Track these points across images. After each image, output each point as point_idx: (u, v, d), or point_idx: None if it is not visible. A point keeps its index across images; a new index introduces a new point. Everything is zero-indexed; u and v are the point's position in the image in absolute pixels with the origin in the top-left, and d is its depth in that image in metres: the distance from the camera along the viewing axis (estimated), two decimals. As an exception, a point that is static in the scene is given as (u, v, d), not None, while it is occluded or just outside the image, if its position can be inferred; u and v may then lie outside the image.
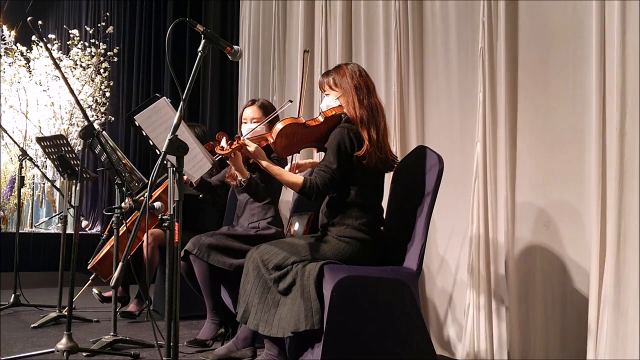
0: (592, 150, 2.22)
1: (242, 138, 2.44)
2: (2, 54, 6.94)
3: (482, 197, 2.66)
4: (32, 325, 3.27)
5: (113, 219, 2.87)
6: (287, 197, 3.89)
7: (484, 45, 2.69)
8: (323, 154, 2.46)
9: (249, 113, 3.03)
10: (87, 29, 7.33)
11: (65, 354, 2.46)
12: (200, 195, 2.91)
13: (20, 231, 4.10)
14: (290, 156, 2.68)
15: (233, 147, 2.43)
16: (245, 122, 3.02)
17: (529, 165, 2.60)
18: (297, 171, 2.68)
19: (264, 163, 2.41)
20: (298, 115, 2.54)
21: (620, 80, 2.08)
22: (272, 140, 2.39)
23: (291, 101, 2.73)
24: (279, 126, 2.39)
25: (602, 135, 2.16)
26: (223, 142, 2.50)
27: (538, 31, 2.59)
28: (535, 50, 2.60)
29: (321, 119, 2.42)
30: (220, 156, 2.51)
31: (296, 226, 2.74)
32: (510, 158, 2.63)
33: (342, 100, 2.45)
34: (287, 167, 2.65)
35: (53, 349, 2.54)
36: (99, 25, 7.12)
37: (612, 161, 2.10)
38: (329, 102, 2.48)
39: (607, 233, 2.11)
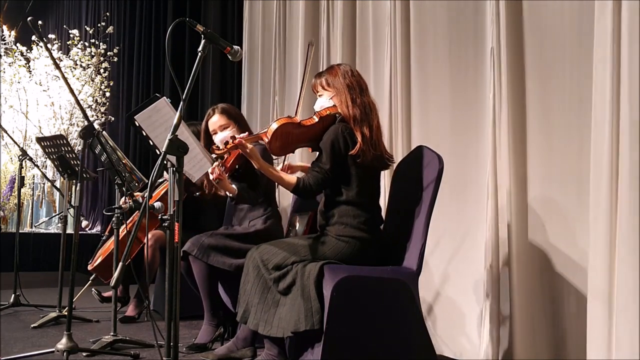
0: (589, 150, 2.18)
1: (237, 138, 2.43)
2: (2, 54, 6.94)
3: (492, 198, 2.63)
4: (32, 325, 3.26)
5: (113, 219, 2.87)
6: (287, 197, 3.89)
7: (493, 45, 2.68)
8: (318, 153, 2.46)
9: (215, 122, 2.97)
10: (87, 29, 7.34)
11: (65, 354, 2.46)
12: (198, 193, 2.91)
13: (20, 231, 4.10)
14: (284, 156, 2.68)
15: (229, 146, 2.43)
16: (215, 133, 2.97)
17: (538, 166, 2.58)
18: (289, 172, 2.68)
19: (258, 164, 2.40)
20: (296, 109, 2.54)
21: (616, 81, 2.07)
22: (267, 140, 2.38)
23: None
24: (274, 126, 2.38)
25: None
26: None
27: (541, 30, 2.58)
28: (538, 49, 2.59)
29: (316, 118, 2.43)
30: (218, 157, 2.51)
31: (296, 226, 2.74)
32: (518, 159, 2.63)
33: (336, 100, 2.46)
34: (280, 168, 2.66)
35: (53, 349, 2.54)
36: (99, 25, 7.13)
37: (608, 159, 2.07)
38: (322, 102, 2.49)
39: (603, 233, 2.09)
